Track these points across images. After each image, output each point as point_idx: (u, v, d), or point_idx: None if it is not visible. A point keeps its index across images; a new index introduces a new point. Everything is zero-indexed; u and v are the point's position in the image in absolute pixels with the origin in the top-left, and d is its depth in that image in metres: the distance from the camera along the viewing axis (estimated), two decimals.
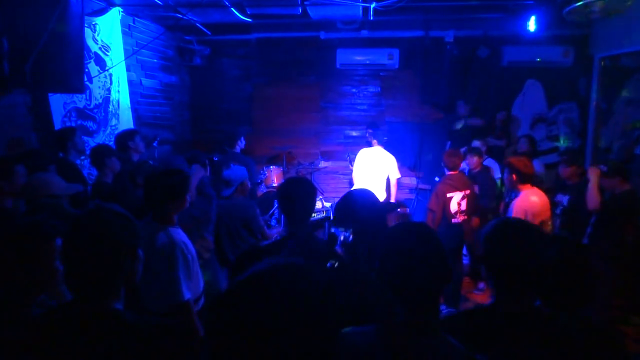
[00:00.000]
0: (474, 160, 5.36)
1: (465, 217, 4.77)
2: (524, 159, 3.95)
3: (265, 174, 6.51)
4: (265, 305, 0.76)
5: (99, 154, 3.97)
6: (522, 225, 1.47)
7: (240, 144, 5.61)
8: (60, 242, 1.54)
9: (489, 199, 5.33)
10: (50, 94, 4.32)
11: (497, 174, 5.81)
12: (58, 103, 4.48)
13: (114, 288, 1.35)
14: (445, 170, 4.87)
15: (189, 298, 2.42)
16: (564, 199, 4.40)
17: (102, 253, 1.31)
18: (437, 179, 7.05)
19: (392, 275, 1.26)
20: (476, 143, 5.99)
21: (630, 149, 5.80)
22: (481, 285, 5.32)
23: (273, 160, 7.30)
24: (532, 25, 5.71)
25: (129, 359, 1.23)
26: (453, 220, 4.71)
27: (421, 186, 7.33)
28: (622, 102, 6.37)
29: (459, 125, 6.71)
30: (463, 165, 5.32)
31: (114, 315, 1.31)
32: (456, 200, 4.70)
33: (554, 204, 4.36)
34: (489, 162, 5.87)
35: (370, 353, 0.99)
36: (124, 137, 4.49)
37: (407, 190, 7.39)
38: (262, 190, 6.42)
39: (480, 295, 5.21)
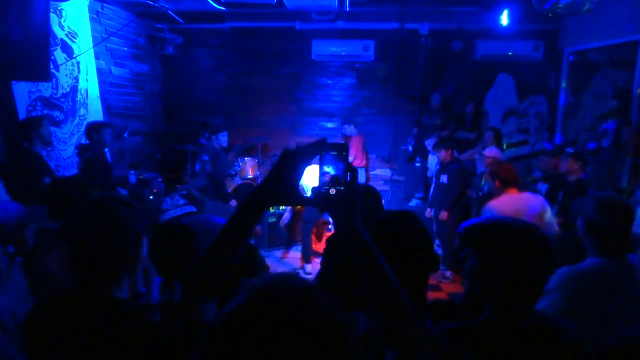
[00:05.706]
0: (442, 153, 5.40)
1: None
2: (505, 165, 3.92)
3: (240, 166, 6.44)
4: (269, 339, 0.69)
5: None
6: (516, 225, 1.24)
7: (222, 140, 5.52)
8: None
9: (456, 189, 5.41)
10: (13, 82, 4.13)
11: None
12: (22, 92, 4.29)
13: (116, 276, 1.34)
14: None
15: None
16: (543, 187, 4.52)
17: (108, 241, 1.29)
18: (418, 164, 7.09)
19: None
20: (445, 133, 6.02)
21: (596, 141, 5.99)
22: (447, 273, 5.35)
23: (248, 151, 7.22)
24: (504, 19, 5.80)
25: (127, 347, 1.22)
26: None
27: (395, 178, 7.39)
28: (589, 96, 6.57)
29: (431, 120, 6.74)
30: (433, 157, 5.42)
31: (113, 303, 1.29)
32: None
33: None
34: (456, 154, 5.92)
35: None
36: (89, 129, 4.54)
37: (382, 181, 7.44)
38: (237, 182, 6.35)
39: (449, 285, 5.25)
